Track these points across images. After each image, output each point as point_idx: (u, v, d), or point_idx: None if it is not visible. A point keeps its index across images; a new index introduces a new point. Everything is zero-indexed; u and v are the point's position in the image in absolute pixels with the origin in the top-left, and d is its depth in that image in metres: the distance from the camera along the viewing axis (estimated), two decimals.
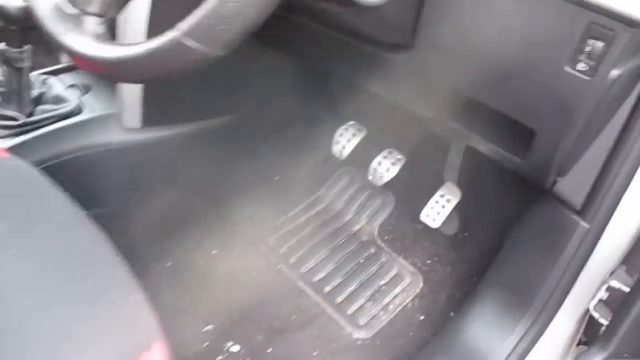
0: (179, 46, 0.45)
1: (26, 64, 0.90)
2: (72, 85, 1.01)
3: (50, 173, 0.71)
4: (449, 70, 0.73)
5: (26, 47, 0.89)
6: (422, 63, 0.75)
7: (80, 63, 0.53)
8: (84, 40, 0.51)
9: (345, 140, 1.21)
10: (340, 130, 1.22)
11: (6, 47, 0.87)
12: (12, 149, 0.87)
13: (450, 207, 1.11)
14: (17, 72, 0.89)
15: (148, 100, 0.96)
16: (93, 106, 0.98)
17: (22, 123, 0.90)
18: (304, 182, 1.26)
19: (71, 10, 0.53)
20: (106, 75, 0.54)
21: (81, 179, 0.95)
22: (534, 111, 0.68)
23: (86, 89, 1.02)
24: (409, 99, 0.85)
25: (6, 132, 0.89)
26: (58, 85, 0.99)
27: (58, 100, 0.96)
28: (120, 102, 0.96)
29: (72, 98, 0.97)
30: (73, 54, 0.52)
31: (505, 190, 1.02)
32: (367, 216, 1.21)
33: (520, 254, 0.89)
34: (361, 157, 1.21)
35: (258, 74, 1.09)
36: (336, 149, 1.23)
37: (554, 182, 0.78)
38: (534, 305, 0.84)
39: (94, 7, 0.52)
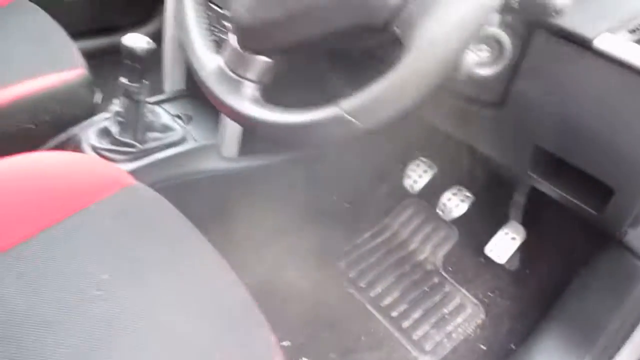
0: (338, 121, 0.53)
1: (143, 97, 1.01)
2: (176, 115, 1.12)
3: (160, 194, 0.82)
4: (535, 128, 0.81)
5: (144, 83, 1.00)
6: (509, 119, 0.82)
7: (239, 121, 0.62)
8: (243, 102, 0.61)
9: (417, 176, 1.30)
10: (412, 165, 1.31)
11: (127, 82, 0.99)
12: (131, 172, 0.98)
13: (515, 245, 1.18)
14: (135, 104, 1.00)
15: (246, 134, 1.06)
16: (195, 135, 1.09)
17: (139, 150, 1.01)
18: (372, 210, 1.34)
19: (231, 74, 0.62)
20: (261, 135, 0.62)
21: (183, 200, 1.05)
22: (616, 172, 0.74)
23: (188, 119, 1.12)
24: (490, 147, 0.92)
25: (125, 157, 1.00)
26: (164, 115, 1.10)
27: (165, 128, 1.07)
28: (221, 134, 1.06)
29: (177, 127, 1.08)
30: (233, 114, 0.61)
31: (571, 233, 1.09)
32: (431, 246, 1.28)
33: (586, 295, 0.95)
34: (430, 191, 1.29)
35: None
36: (407, 182, 1.31)
37: (626, 232, 0.84)
38: (598, 344, 0.90)
39: (251, 75, 0.62)
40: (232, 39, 0.63)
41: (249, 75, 0.62)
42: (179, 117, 1.12)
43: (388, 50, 0.56)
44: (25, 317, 0.64)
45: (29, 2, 1.25)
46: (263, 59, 0.61)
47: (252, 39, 0.60)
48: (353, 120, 0.52)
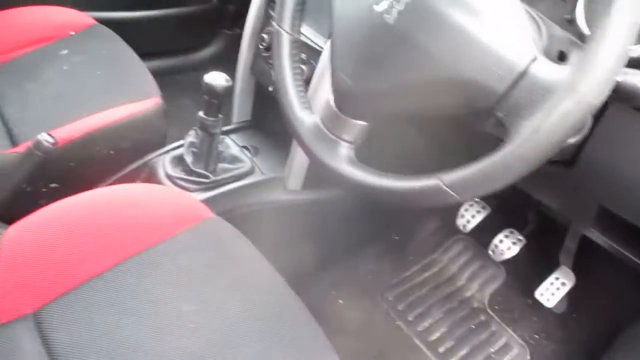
0: (436, 192, 0.57)
1: (218, 130, 1.06)
2: (244, 146, 1.17)
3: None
4: (603, 190, 0.83)
5: (219, 117, 1.05)
6: (577, 179, 0.85)
7: (333, 178, 0.66)
8: (339, 162, 0.65)
9: (470, 215, 1.33)
10: (466, 204, 1.34)
11: (204, 116, 1.04)
12: (204, 201, 1.03)
13: (564, 290, 1.20)
14: (210, 137, 1.06)
15: (310, 169, 1.10)
16: (262, 167, 1.14)
17: (211, 181, 1.06)
18: (421, 244, 1.38)
19: (328, 134, 0.67)
20: (353, 192, 0.66)
21: (247, 228, 1.10)
22: None
23: (255, 151, 1.17)
24: (553, 201, 0.95)
25: (198, 186, 1.05)
26: (233, 146, 1.16)
27: (234, 159, 1.12)
28: (288, 169, 1.10)
29: (245, 159, 1.13)
30: (328, 171, 0.66)
31: (621, 282, 1.11)
32: (478, 284, 1.31)
33: (638, 349, 0.97)
34: (480, 231, 1.32)
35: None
36: (460, 221, 1.34)
37: None
38: None
39: (347, 136, 0.66)
40: (330, 100, 0.67)
41: (345, 136, 0.66)
42: (246, 148, 1.17)
43: (486, 126, 0.60)
44: (117, 339, 0.69)
45: (103, 26, 1.32)
46: (360, 122, 0.65)
47: (352, 104, 0.64)
48: (451, 192, 0.56)
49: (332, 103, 0.67)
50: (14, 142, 1.01)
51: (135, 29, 1.57)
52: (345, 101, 0.65)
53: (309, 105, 0.72)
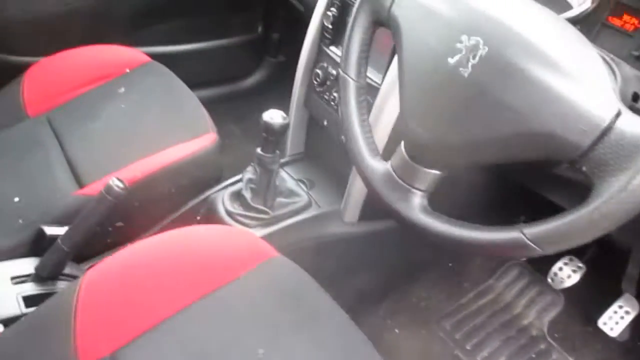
0: (518, 244, 0.57)
1: (275, 166, 1.07)
2: (299, 180, 1.18)
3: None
4: None
5: (277, 153, 1.07)
6: None
7: (407, 226, 0.66)
8: (413, 211, 0.65)
9: None
10: None
11: (262, 152, 1.06)
12: (264, 238, 1.05)
13: (629, 318, 1.17)
14: (268, 173, 1.07)
15: (368, 201, 1.11)
16: (318, 200, 1.15)
17: (270, 217, 1.07)
18: (476, 270, 1.36)
19: (400, 182, 0.67)
20: (427, 240, 0.67)
21: (306, 261, 1.11)
22: None
23: (310, 184, 1.19)
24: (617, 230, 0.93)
25: (258, 222, 1.07)
26: (289, 180, 1.17)
27: (291, 193, 1.14)
28: (345, 202, 1.11)
29: (302, 193, 1.15)
30: (402, 219, 0.66)
31: None
32: (536, 311, 1.29)
33: None
34: (539, 260, 1.30)
35: None
36: None
37: None
38: None
39: (420, 185, 0.66)
40: (401, 147, 0.68)
41: (418, 185, 0.66)
42: (302, 182, 1.18)
43: (565, 171, 0.59)
44: None
45: (156, 63, 1.36)
46: (433, 171, 0.65)
47: (425, 155, 0.65)
48: (534, 246, 0.56)
49: (404, 150, 0.67)
50: (80, 183, 1.05)
51: (185, 61, 1.60)
52: (418, 151, 0.65)
53: (378, 152, 0.72)
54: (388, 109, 0.96)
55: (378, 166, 0.70)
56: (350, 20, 0.75)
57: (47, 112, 1.23)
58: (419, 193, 0.66)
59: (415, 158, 0.66)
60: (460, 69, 0.60)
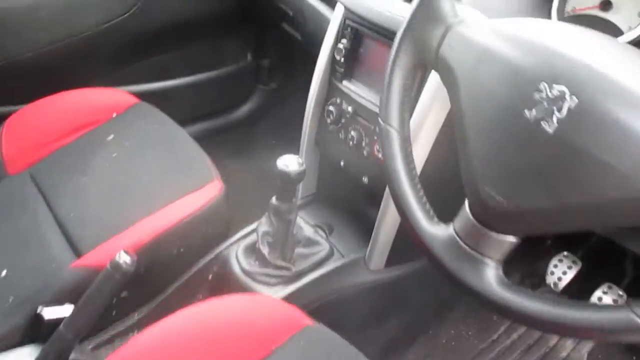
0: (629, 326, 0.48)
1: (292, 216, 0.98)
2: (317, 225, 1.09)
3: (312, 314, 0.80)
4: None
5: (294, 202, 0.97)
6: None
7: (483, 303, 0.57)
8: (490, 285, 0.56)
9: (561, 272, 1.23)
10: (555, 260, 1.25)
11: (278, 202, 0.96)
12: (286, 298, 0.95)
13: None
14: (285, 224, 0.97)
15: (396, 246, 1.02)
16: (340, 248, 1.05)
17: (292, 273, 0.97)
18: None
19: (469, 250, 0.58)
20: (511, 319, 0.58)
21: (331, 315, 1.02)
22: None
23: (329, 229, 1.09)
24: None
25: (279, 280, 0.97)
26: (306, 227, 1.07)
27: (310, 242, 1.04)
28: (371, 250, 1.02)
29: (322, 241, 1.05)
30: (476, 295, 0.57)
31: None
32: (572, 341, 1.22)
33: None
34: (573, 288, 1.23)
35: None
36: (551, 279, 1.25)
37: None
38: None
39: (494, 253, 0.57)
40: (467, 211, 0.59)
41: (492, 253, 0.57)
42: (320, 227, 1.08)
43: None
44: None
45: (145, 104, 1.25)
46: (509, 238, 0.56)
47: (501, 221, 0.56)
48: None
49: (470, 214, 0.58)
50: (76, 251, 0.93)
51: (174, 97, 1.50)
52: (493, 217, 0.56)
53: (434, 214, 0.63)
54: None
55: (438, 231, 0.61)
56: (389, 62, 0.66)
57: (29, 167, 1.12)
58: (493, 263, 0.57)
59: (487, 223, 0.57)
60: (543, 123, 0.51)
